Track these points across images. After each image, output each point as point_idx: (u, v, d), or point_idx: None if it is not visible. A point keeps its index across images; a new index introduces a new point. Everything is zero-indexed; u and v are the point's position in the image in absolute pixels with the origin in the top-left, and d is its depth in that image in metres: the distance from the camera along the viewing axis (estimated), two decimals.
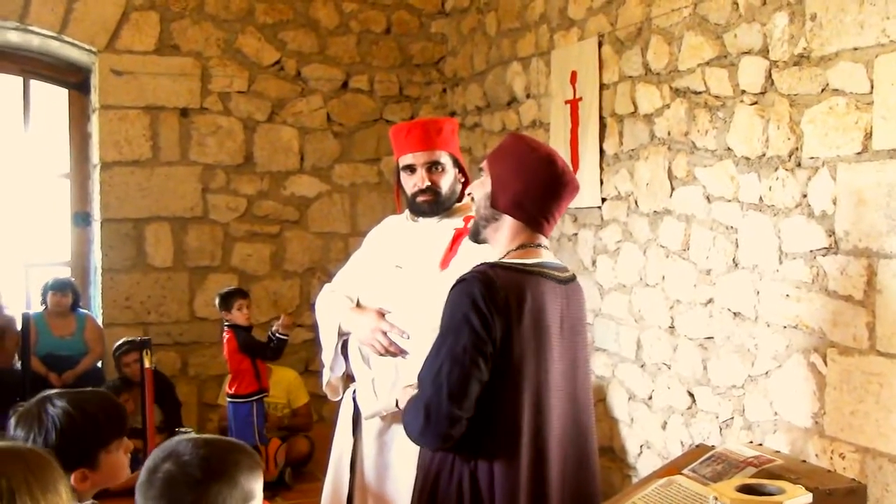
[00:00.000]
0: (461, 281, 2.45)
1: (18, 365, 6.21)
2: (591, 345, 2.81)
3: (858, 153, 3.56)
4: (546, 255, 2.61)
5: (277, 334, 5.82)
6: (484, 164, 2.62)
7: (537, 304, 2.49)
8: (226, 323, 5.91)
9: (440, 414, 2.38)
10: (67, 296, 6.65)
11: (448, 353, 2.39)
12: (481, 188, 2.60)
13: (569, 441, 2.59)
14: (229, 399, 5.89)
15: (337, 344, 3.22)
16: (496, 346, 2.40)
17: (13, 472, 1.35)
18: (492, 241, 2.62)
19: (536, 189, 2.54)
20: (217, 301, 5.96)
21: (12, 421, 2.38)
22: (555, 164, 2.56)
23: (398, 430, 2.85)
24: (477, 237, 2.65)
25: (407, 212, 3.26)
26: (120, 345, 6.29)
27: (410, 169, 3.15)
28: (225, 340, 5.88)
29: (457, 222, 3.13)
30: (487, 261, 2.54)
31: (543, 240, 2.61)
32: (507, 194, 2.54)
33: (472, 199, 2.67)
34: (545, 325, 2.51)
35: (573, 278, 2.69)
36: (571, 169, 2.71)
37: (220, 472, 1.90)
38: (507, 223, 2.57)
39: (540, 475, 2.50)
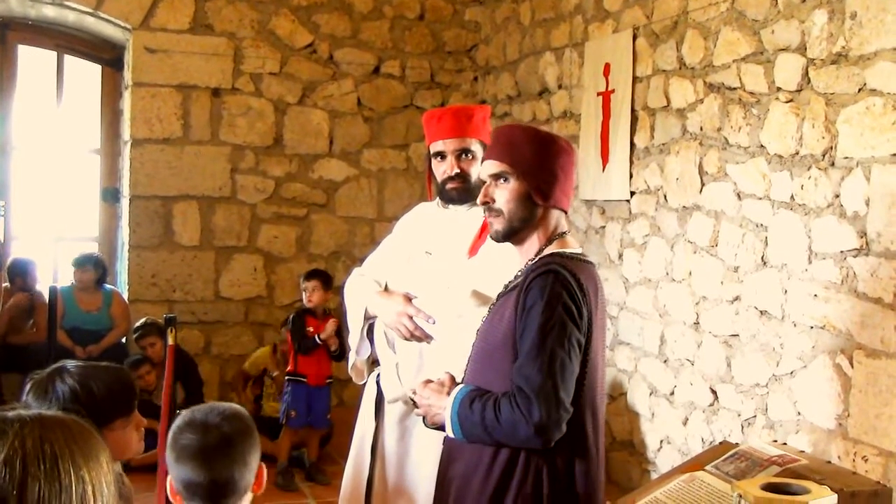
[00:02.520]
0: (546, 273, 2.39)
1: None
2: None
3: (894, 155, 3.53)
4: (575, 242, 2.61)
5: (317, 337, 5.85)
6: (498, 165, 2.49)
7: (602, 293, 2.52)
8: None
9: (559, 407, 2.31)
10: (88, 272, 6.66)
11: (556, 346, 2.33)
12: (507, 190, 2.49)
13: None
14: None
15: (363, 327, 3.23)
16: (585, 338, 2.40)
17: (56, 438, 1.36)
18: (526, 239, 2.55)
19: (566, 173, 2.54)
20: None
21: (27, 387, 2.41)
22: (560, 140, 2.56)
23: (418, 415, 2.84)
24: (511, 237, 2.55)
25: (437, 199, 3.26)
26: (137, 327, 6.34)
27: (440, 156, 3.15)
28: None
29: None
30: (552, 252, 2.50)
31: (565, 224, 2.61)
32: (551, 186, 2.50)
33: (487, 204, 2.53)
34: (605, 315, 2.55)
35: None
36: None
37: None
38: (549, 215, 2.53)
39: (601, 461, 2.51)
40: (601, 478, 2.54)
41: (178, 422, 2.26)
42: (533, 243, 2.54)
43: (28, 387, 2.40)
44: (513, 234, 2.54)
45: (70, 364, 2.46)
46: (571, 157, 2.57)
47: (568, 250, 2.51)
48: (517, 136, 2.55)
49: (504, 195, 2.50)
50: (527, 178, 2.48)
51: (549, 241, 2.52)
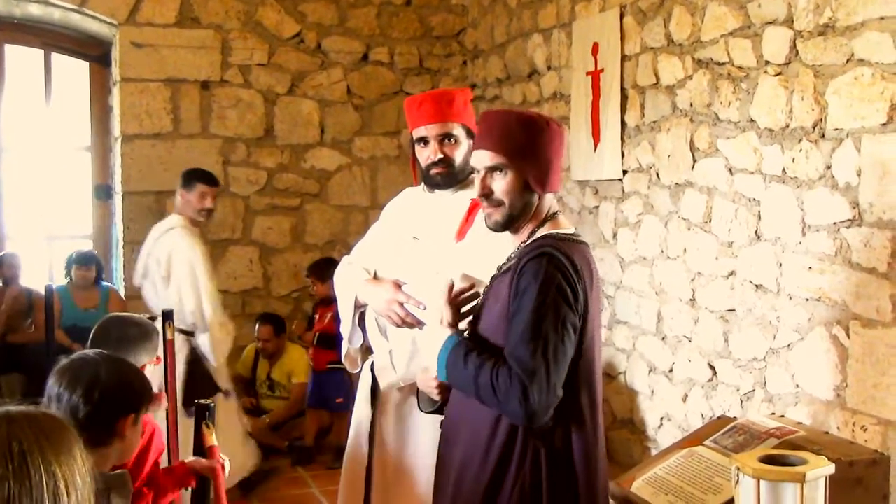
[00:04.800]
0: (541, 256, 2.39)
1: None
2: None
3: (883, 124, 3.53)
4: (566, 221, 2.60)
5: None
6: (494, 157, 2.48)
7: (597, 273, 2.52)
8: None
9: (550, 392, 2.31)
10: (91, 269, 6.68)
11: (550, 330, 2.33)
12: (505, 182, 2.48)
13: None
14: None
15: (354, 315, 3.23)
16: (580, 321, 2.40)
17: (25, 435, 1.36)
18: (522, 226, 2.55)
19: (559, 157, 2.55)
20: None
21: (55, 372, 2.45)
22: (552, 123, 2.55)
23: (416, 401, 2.85)
24: (510, 226, 2.54)
25: (423, 184, 3.26)
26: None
27: (423, 141, 3.15)
28: None
29: (472, 193, 3.10)
30: (546, 234, 2.51)
31: (556, 204, 2.60)
32: (547, 174, 2.50)
33: (487, 196, 2.52)
34: (600, 294, 2.56)
35: None
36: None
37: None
38: (544, 199, 2.53)
39: (599, 440, 2.52)
40: (601, 457, 2.54)
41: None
42: (527, 226, 2.54)
43: (54, 374, 2.45)
44: (512, 223, 2.53)
45: (92, 355, 2.49)
46: (563, 138, 2.57)
47: (561, 231, 2.51)
48: (511, 124, 2.51)
49: (502, 186, 2.49)
50: (524, 169, 2.48)
51: (541, 223, 2.52)
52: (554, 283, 2.34)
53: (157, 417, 3.20)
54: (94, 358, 2.47)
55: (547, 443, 2.41)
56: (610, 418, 5.43)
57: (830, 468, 2.42)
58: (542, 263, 2.37)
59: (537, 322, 2.32)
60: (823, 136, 3.84)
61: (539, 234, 2.51)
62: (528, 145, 2.48)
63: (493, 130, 2.52)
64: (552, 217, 2.55)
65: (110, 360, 2.50)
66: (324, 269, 6.22)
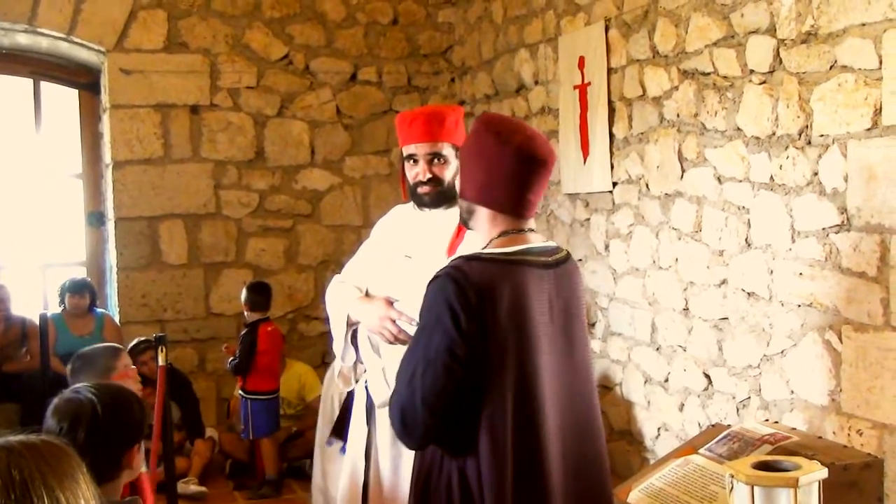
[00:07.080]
0: (436, 278, 2.37)
1: None
2: (586, 326, 2.71)
3: (868, 129, 3.55)
4: (533, 238, 2.51)
5: None
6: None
7: (517, 295, 2.37)
8: None
9: (415, 420, 2.33)
10: (85, 297, 6.67)
11: (422, 356, 2.33)
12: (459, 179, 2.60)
13: (569, 432, 2.50)
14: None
15: (347, 333, 3.23)
16: (471, 346, 2.31)
17: (25, 463, 1.37)
18: (477, 231, 2.56)
19: (499, 176, 2.44)
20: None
21: (52, 411, 2.46)
22: (515, 146, 2.41)
23: None
24: (466, 227, 2.63)
25: (412, 201, 3.27)
26: (135, 345, 6.31)
27: (412, 159, 3.16)
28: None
29: None
30: (465, 254, 2.48)
31: (529, 223, 2.52)
32: (473, 185, 2.50)
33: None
34: (528, 317, 2.39)
35: (565, 259, 2.57)
36: (540, 140, 2.50)
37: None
38: (483, 213, 2.50)
39: (533, 470, 2.39)
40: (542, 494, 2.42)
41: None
42: (483, 239, 2.54)
43: (52, 413, 2.45)
44: (466, 224, 2.60)
45: (85, 393, 2.48)
46: (521, 165, 2.44)
47: (497, 249, 2.45)
48: (472, 130, 2.56)
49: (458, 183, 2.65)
50: (460, 172, 2.61)
51: (488, 245, 2.50)
52: (434, 309, 2.33)
53: None
54: (88, 397, 2.44)
55: (459, 469, 2.39)
56: (607, 430, 5.41)
57: (824, 472, 2.42)
58: (432, 287, 2.37)
59: (414, 346, 2.36)
60: (810, 142, 3.87)
61: (473, 252, 2.48)
62: (471, 154, 2.53)
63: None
64: (503, 235, 2.48)
65: (106, 395, 2.47)
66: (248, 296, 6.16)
